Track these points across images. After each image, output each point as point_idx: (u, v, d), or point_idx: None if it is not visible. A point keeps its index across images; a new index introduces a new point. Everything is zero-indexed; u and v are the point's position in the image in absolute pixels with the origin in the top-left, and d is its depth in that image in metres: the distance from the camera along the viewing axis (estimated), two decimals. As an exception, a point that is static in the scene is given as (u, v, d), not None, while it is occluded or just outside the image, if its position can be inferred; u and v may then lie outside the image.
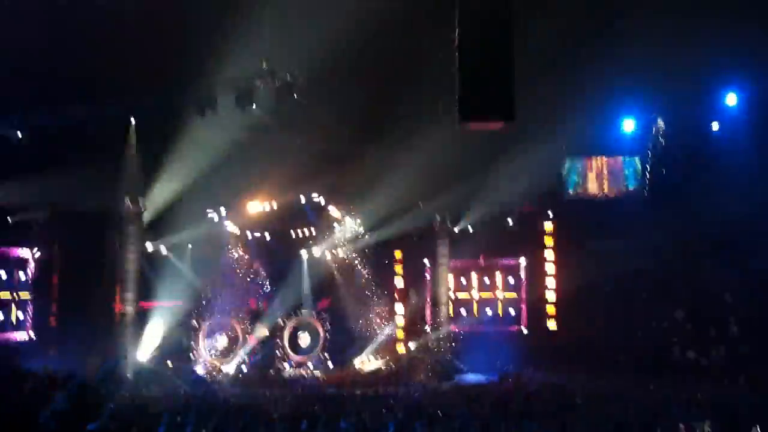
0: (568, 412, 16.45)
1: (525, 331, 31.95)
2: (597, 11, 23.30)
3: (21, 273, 27.12)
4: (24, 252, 27.27)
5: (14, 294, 26.76)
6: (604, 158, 31.00)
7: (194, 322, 28.16)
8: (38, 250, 27.54)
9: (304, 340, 29.52)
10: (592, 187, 30.92)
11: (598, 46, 22.71)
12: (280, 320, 29.54)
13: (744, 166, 26.43)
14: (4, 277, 26.49)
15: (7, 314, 26.46)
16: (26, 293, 27.15)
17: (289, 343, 29.34)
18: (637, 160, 30.44)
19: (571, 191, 31.05)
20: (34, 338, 26.91)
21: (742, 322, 28.38)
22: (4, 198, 24.58)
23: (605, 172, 30.97)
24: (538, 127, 24.02)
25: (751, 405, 17.76)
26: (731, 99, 27.34)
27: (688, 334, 29.10)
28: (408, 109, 25.56)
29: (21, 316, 26.84)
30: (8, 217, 26.17)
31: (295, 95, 22.63)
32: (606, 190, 30.86)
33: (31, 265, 27.45)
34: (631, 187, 30.59)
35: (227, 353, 28.45)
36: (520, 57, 7.52)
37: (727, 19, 21.86)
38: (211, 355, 28.18)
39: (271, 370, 28.35)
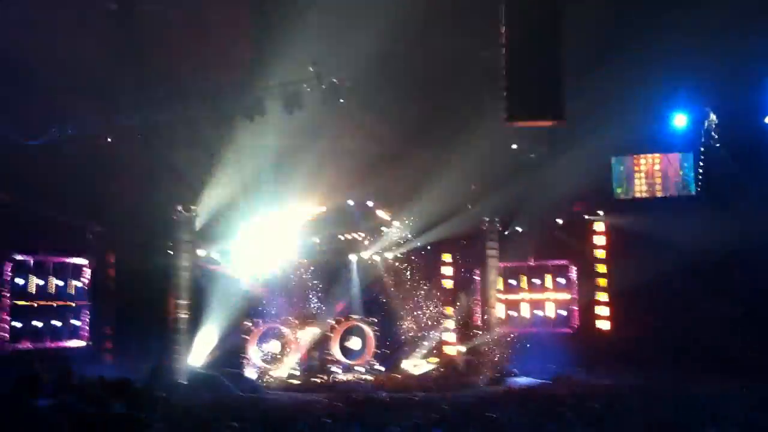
0: (620, 415, 16.19)
1: (577, 333, 31.55)
2: (644, 2, 22.97)
3: (76, 281, 27.64)
4: (79, 260, 27.79)
5: (70, 302, 27.28)
6: (655, 155, 30.47)
7: (248, 327, 28.38)
8: (93, 259, 28.04)
9: (354, 343, 29.54)
10: (642, 185, 30.42)
11: (647, 39, 22.37)
12: (330, 324, 29.64)
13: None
14: (61, 285, 27.00)
15: (65, 322, 26.99)
16: (82, 301, 27.66)
17: (340, 347, 29.40)
18: (688, 156, 29.85)
19: (620, 190, 30.60)
20: (90, 345, 27.39)
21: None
22: (59, 209, 25.07)
23: (656, 169, 30.44)
24: (586, 124, 23.71)
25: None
26: (787, 91, 26.68)
27: (746, 333, 28.38)
28: (455, 110, 25.47)
29: (77, 324, 27.35)
30: (66, 227, 26.67)
31: (342, 99, 22.67)
32: (657, 189, 30.33)
33: (87, 273, 27.97)
34: (683, 185, 30.00)
35: (279, 358, 28.61)
36: (567, 53, 7.40)
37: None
38: (263, 360, 28.36)
39: (323, 375, 28.44)
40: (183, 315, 25.23)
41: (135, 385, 8.67)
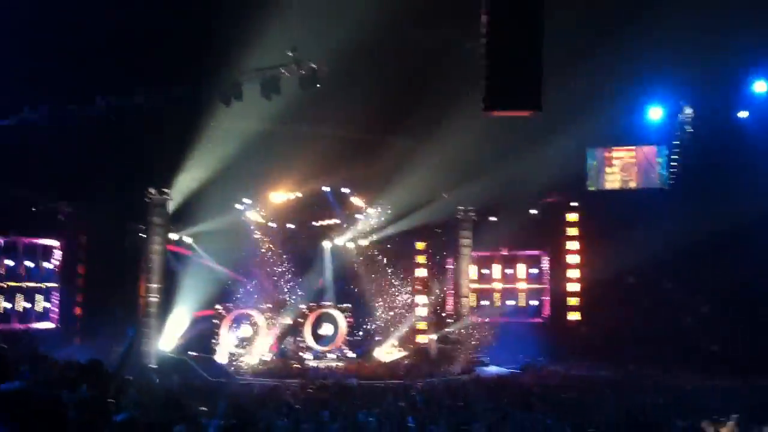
0: (589, 406, 16.35)
1: (548, 323, 31.79)
2: (622, -1, 23.07)
3: (47, 263, 27.33)
4: (50, 242, 27.47)
5: (40, 283, 26.98)
6: (629, 148, 30.68)
7: (219, 312, 28.27)
8: (64, 240, 27.73)
9: (326, 330, 29.55)
10: (616, 177, 30.64)
11: (624, 34, 22.43)
12: (302, 310, 29.60)
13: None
14: (31, 266, 26.69)
15: (33, 303, 26.70)
16: (52, 283, 27.36)
17: (312, 333, 29.38)
18: (663, 149, 30.07)
19: (594, 182, 30.79)
20: (60, 327, 27.13)
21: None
22: (29, 189, 24.76)
23: (629, 162, 30.66)
24: (562, 117, 23.79)
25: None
26: (760, 86, 26.89)
27: (714, 326, 28.75)
28: (433, 99, 25.43)
29: (47, 306, 27.06)
30: (34, 208, 26.34)
31: (319, 85, 22.55)
32: (631, 181, 30.55)
33: (57, 254, 27.65)
34: (656, 177, 30.24)
35: (251, 344, 28.53)
36: (546, 44, 7.39)
37: (756, 4, 21.54)
38: (234, 346, 28.27)
39: (294, 361, 28.42)
40: (153, 298, 25.06)
41: (105, 368, 8.56)
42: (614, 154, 30.68)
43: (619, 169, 30.62)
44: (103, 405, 7.37)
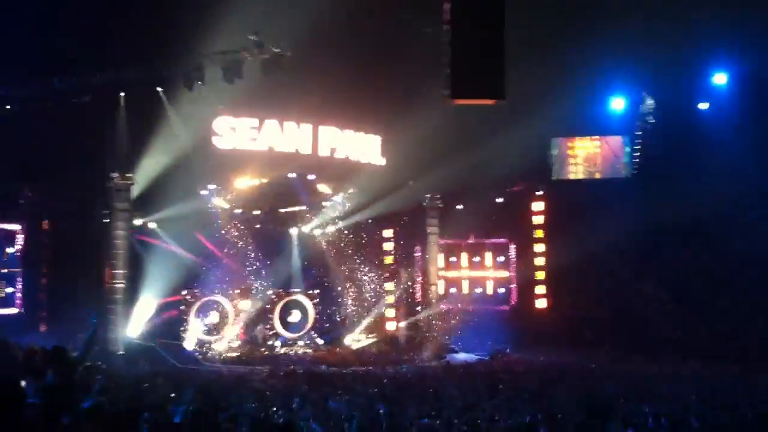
0: (555, 391, 16.56)
1: (515, 310, 32.13)
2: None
3: (9, 248, 26.96)
4: (12, 226, 27.09)
5: (3, 269, 26.63)
6: (594, 138, 31.01)
7: (186, 298, 28.16)
8: (26, 225, 27.35)
9: (295, 317, 29.55)
10: (579, 168, 30.95)
11: (587, 24, 22.66)
12: (270, 297, 29.56)
13: (732, 145, 26.46)
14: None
15: (-4, 288, 26.38)
16: (15, 268, 27.00)
17: (280, 320, 29.37)
18: (625, 139, 30.43)
19: (558, 172, 31.08)
20: (24, 313, 26.81)
21: (729, 302, 28.52)
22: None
23: (594, 152, 30.99)
24: (527, 106, 24.00)
25: (733, 382, 17.98)
26: (720, 78, 27.32)
27: (674, 313, 29.28)
28: (397, 86, 25.47)
29: (9, 291, 26.71)
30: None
31: (282, 69, 22.45)
32: (594, 170, 30.89)
33: (20, 239, 27.28)
34: (621, 168, 30.60)
35: (218, 330, 28.46)
36: (509, 35, 7.47)
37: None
38: (202, 332, 28.17)
39: (263, 348, 28.40)
40: (119, 284, 24.86)
41: (70, 354, 8.54)
42: (577, 143, 30.98)
43: (583, 159, 30.93)
44: (68, 392, 7.37)
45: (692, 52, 25.05)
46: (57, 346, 8.71)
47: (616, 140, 30.68)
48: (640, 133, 29.64)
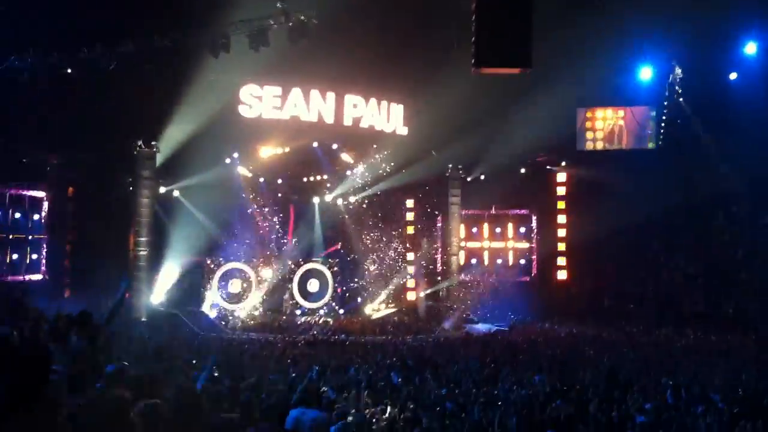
0: (575, 363, 16.56)
1: (536, 282, 32.07)
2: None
3: (35, 214, 27.21)
4: (38, 193, 27.32)
5: (28, 235, 26.89)
6: (620, 108, 30.62)
7: (209, 266, 28.37)
8: (51, 192, 27.57)
9: (314, 286, 29.68)
10: (606, 137, 30.60)
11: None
12: (290, 266, 29.69)
13: (762, 116, 26.00)
14: (18, 217, 26.58)
15: (22, 255, 26.63)
16: (40, 234, 27.26)
17: (299, 289, 29.51)
18: (653, 110, 30.01)
19: (584, 142, 30.77)
20: (49, 279, 27.10)
21: (752, 277, 28.30)
22: (16, 140, 24.54)
23: (622, 122, 30.61)
24: (552, 76, 23.71)
25: (757, 358, 17.87)
26: (750, 48, 26.77)
27: (699, 287, 29.10)
28: (423, 55, 25.26)
29: (35, 257, 27.00)
30: (23, 159, 26.14)
31: (308, 37, 22.34)
32: (620, 141, 30.54)
33: (45, 206, 27.52)
34: (646, 138, 30.22)
35: (240, 298, 28.67)
36: (536, 3, 7.35)
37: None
38: (224, 300, 28.40)
39: (283, 316, 28.58)
40: (143, 251, 25.09)
41: (95, 319, 8.59)
42: (597, 114, 30.61)
43: (603, 131, 30.55)
44: (94, 356, 7.43)
45: (722, 21, 24.53)
46: (83, 311, 8.76)
47: (642, 111, 30.25)
48: (666, 103, 29.21)
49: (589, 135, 30.55)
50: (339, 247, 31.15)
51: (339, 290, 30.13)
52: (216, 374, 9.83)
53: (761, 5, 24.17)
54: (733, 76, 27.51)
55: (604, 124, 30.53)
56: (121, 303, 10.01)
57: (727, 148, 27.16)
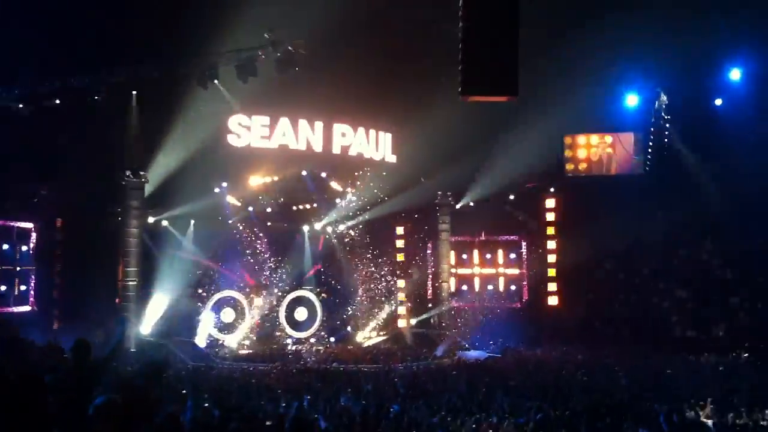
0: (567, 389, 16.51)
1: (526, 307, 32.04)
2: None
3: (23, 246, 27.04)
4: (25, 224, 27.18)
5: (16, 267, 26.72)
6: (607, 134, 30.85)
7: (201, 295, 28.27)
8: (39, 223, 27.43)
9: (301, 314, 29.57)
10: (594, 165, 30.80)
11: (602, 21, 22.54)
12: (278, 295, 29.59)
13: (747, 140, 26.26)
14: (6, 249, 26.42)
15: (10, 287, 26.44)
16: (28, 266, 27.08)
17: (287, 317, 29.41)
18: (639, 136, 30.25)
19: (572, 168, 30.94)
20: (37, 310, 26.88)
21: (743, 300, 28.41)
22: (4, 170, 24.46)
23: (608, 148, 30.83)
24: (539, 103, 23.92)
25: (749, 381, 17.84)
26: (735, 74, 27.09)
27: (689, 311, 29.17)
28: (411, 83, 25.44)
29: (23, 288, 26.80)
30: (9, 190, 26.03)
31: (297, 67, 22.47)
32: (608, 167, 30.73)
33: (34, 237, 27.36)
34: (633, 163, 30.42)
35: (232, 327, 28.53)
36: (523, 31, 7.42)
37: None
38: (216, 329, 28.25)
39: (274, 345, 28.43)
40: (131, 282, 24.95)
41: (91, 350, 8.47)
42: (582, 141, 30.85)
43: (595, 154, 30.75)
44: (85, 388, 7.37)
45: (706, 48, 24.85)
46: (81, 339, 8.65)
47: (628, 137, 30.49)
48: (653, 129, 29.45)
49: (575, 161, 30.75)
50: (320, 267, 31.06)
51: (329, 318, 30.07)
52: (202, 410, 9.77)
53: (745, 32, 24.48)
54: (718, 101, 27.80)
55: (589, 151, 30.75)
56: (120, 344, 9.93)
57: (714, 172, 27.39)
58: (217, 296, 28.58)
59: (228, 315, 28.62)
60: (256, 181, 28.52)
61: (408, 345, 29.29)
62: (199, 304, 28.22)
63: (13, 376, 4.51)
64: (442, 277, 30.66)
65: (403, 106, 26.36)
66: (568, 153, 30.85)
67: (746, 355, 24.74)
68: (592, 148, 30.77)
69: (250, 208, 29.63)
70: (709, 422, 11.34)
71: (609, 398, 14.01)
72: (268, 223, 30.60)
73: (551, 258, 31.50)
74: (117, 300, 24.65)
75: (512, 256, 32.64)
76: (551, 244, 31.59)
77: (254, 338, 28.69)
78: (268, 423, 9.02)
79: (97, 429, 5.83)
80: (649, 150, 29.87)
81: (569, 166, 30.85)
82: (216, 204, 28.20)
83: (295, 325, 29.33)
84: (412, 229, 32.21)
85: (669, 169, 29.14)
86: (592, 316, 30.03)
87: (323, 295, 30.06)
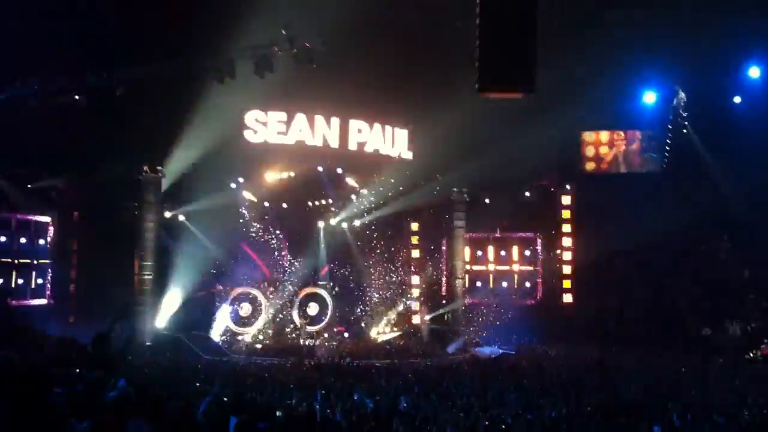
0: (580, 386, 16.46)
1: (541, 304, 31.95)
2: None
3: (41, 239, 27.27)
4: (43, 218, 27.39)
5: (34, 260, 26.94)
6: (624, 131, 30.72)
7: (220, 290, 28.36)
8: (57, 217, 27.64)
9: (313, 309, 29.62)
10: (611, 160, 30.67)
11: (620, 17, 22.44)
12: (292, 290, 29.63)
13: (766, 140, 26.04)
14: (24, 242, 26.65)
15: (27, 280, 26.67)
16: (45, 260, 27.30)
17: (300, 312, 29.45)
18: (657, 133, 30.09)
19: (589, 165, 30.83)
20: (53, 304, 27.10)
21: (759, 299, 28.21)
22: (22, 165, 24.67)
23: (625, 145, 30.71)
24: (556, 99, 23.82)
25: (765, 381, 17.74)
26: (754, 72, 26.86)
27: (704, 310, 29.00)
28: (427, 79, 25.41)
29: (40, 282, 27.02)
30: (29, 185, 26.25)
31: (313, 63, 22.48)
32: (625, 164, 30.60)
33: (51, 231, 27.58)
34: (650, 161, 30.28)
35: (249, 321, 28.59)
36: (540, 27, 7.38)
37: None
38: (234, 323, 28.32)
39: (289, 340, 28.48)
40: (148, 276, 25.07)
41: (107, 350, 8.53)
42: (601, 137, 30.71)
43: (613, 152, 30.64)
44: (99, 382, 7.43)
45: (725, 45, 24.68)
46: (101, 333, 8.69)
47: (646, 134, 30.36)
48: (671, 127, 29.29)
49: (591, 158, 30.63)
50: (327, 269, 31.06)
51: (343, 314, 30.11)
52: (221, 398, 9.80)
53: (764, 29, 24.28)
54: (737, 99, 27.59)
55: (605, 148, 30.63)
56: (132, 337, 9.99)
57: (732, 170, 27.20)
58: (235, 292, 28.62)
59: (245, 309, 28.66)
60: (273, 176, 28.57)
61: (421, 341, 29.29)
62: (217, 299, 28.28)
63: (23, 370, 4.56)
64: (457, 274, 30.59)
65: (419, 103, 26.32)
66: (584, 150, 30.74)
67: (761, 355, 24.54)
68: (607, 145, 30.62)
69: (266, 204, 29.68)
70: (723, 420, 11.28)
71: (622, 397, 13.96)
72: (284, 219, 30.62)
73: (566, 255, 31.40)
74: (132, 294, 24.70)
75: (527, 253, 32.55)
76: (566, 242, 31.49)
77: (270, 333, 28.72)
78: (278, 414, 9.04)
79: (110, 420, 5.88)
80: (667, 147, 29.71)
81: (586, 164, 30.74)
82: (232, 199, 28.27)
83: (306, 319, 29.35)
84: (427, 225, 32.18)
85: (686, 167, 28.98)
86: (606, 314, 29.91)
87: (336, 289, 30.07)
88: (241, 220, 29.03)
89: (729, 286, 28.79)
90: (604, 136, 30.71)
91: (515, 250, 32.62)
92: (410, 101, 26.44)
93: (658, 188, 28.99)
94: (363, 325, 30.51)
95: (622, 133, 30.66)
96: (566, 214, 31.64)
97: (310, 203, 31.07)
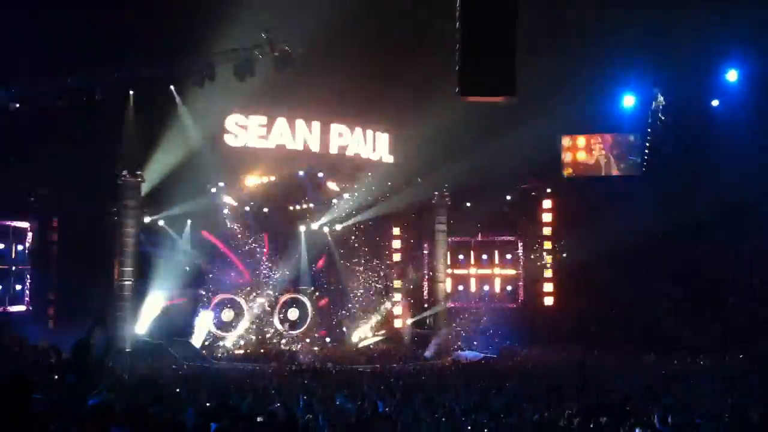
0: (562, 389, 16.51)
1: (522, 308, 32.05)
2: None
3: (19, 245, 27.01)
4: (22, 224, 27.13)
5: (12, 266, 26.68)
6: (604, 135, 30.88)
7: (201, 295, 28.22)
8: (36, 223, 27.39)
9: (293, 314, 29.54)
10: (591, 164, 30.81)
11: (599, 21, 22.56)
12: (273, 295, 29.54)
13: (744, 143, 26.28)
14: (2, 248, 26.38)
15: (6, 286, 26.40)
16: (24, 265, 27.04)
17: (281, 317, 29.36)
18: (636, 137, 30.27)
19: (568, 169, 30.96)
20: (32, 310, 26.83)
21: (741, 300, 28.43)
22: (1, 170, 24.41)
23: (604, 149, 30.86)
24: (538, 104, 23.88)
25: (745, 382, 17.86)
26: (732, 75, 27.08)
27: (684, 312, 29.18)
28: (408, 83, 25.41)
29: (19, 288, 26.76)
30: (7, 190, 25.98)
31: (293, 66, 22.44)
32: (605, 168, 30.75)
33: (29, 237, 27.32)
34: (630, 165, 30.45)
35: (231, 327, 28.46)
36: (520, 31, 7.41)
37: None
38: (216, 328, 28.18)
39: (270, 345, 28.39)
40: (127, 281, 24.87)
41: (87, 357, 8.46)
42: (579, 141, 30.86)
43: (593, 155, 30.78)
44: (80, 389, 7.37)
45: (703, 49, 24.85)
46: (82, 339, 8.61)
47: (617, 137, 30.57)
48: (650, 130, 29.46)
49: (571, 162, 30.77)
50: (319, 266, 31.00)
51: (324, 319, 30.04)
52: (206, 405, 9.75)
53: (742, 33, 24.49)
54: (715, 103, 27.80)
55: (585, 152, 30.78)
56: (109, 343, 9.91)
57: (711, 173, 27.39)
58: (217, 298, 28.48)
59: (227, 315, 28.55)
60: (253, 180, 28.49)
61: (404, 345, 29.29)
62: (198, 305, 28.14)
63: (3, 376, 4.50)
64: (439, 278, 30.63)
65: (400, 106, 26.34)
66: (564, 154, 30.87)
67: (741, 356, 24.73)
68: (584, 150, 30.77)
69: (247, 208, 29.57)
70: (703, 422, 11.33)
71: (604, 399, 13.99)
72: (265, 224, 30.52)
73: (547, 258, 31.53)
74: (112, 299, 24.52)
75: (508, 256, 32.66)
76: (547, 245, 31.63)
77: (252, 339, 28.60)
78: (259, 419, 9.00)
79: (92, 428, 5.82)
80: (646, 151, 29.89)
81: (566, 168, 30.87)
82: (213, 204, 28.15)
83: (286, 323, 29.26)
84: (409, 229, 32.21)
85: (665, 170, 29.16)
86: (587, 317, 30.04)
87: (317, 294, 30.01)
88: (221, 225, 28.89)
89: (709, 287, 28.99)
90: (581, 141, 30.85)
91: (497, 253, 32.71)
92: (391, 105, 26.44)
93: (639, 191, 29.13)
94: (345, 329, 30.48)
95: (599, 137, 30.80)
96: (547, 217, 31.80)
97: (291, 207, 31.00)
